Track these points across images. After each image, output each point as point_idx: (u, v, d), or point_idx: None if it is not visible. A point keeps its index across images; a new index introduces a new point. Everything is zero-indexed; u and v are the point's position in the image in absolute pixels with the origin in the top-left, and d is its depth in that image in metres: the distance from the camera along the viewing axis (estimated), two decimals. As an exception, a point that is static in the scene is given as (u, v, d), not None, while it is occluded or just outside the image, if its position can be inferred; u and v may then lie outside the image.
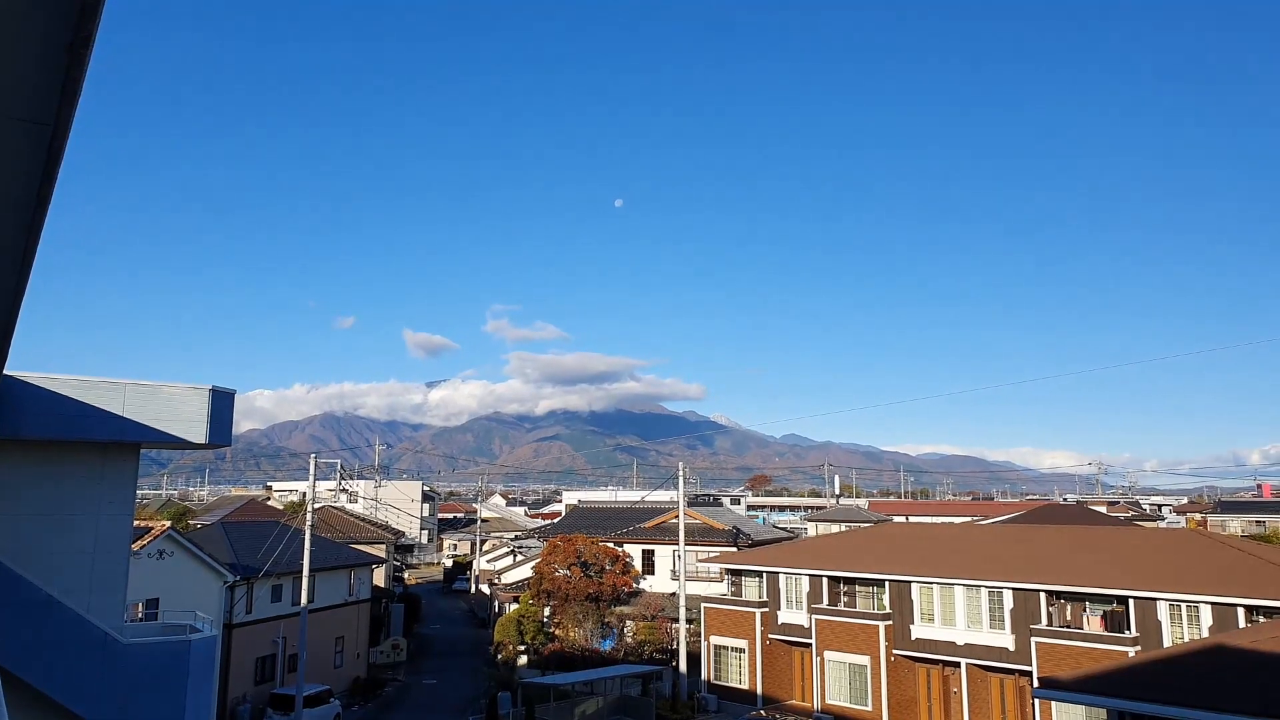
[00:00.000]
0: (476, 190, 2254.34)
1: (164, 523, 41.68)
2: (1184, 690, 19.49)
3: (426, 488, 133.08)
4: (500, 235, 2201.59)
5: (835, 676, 39.32)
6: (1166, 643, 31.11)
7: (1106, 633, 32.98)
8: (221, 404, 19.85)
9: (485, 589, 73.24)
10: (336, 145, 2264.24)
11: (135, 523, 25.02)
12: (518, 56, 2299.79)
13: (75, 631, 17.40)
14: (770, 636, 42.28)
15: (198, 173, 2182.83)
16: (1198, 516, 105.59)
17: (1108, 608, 33.72)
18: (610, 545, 54.41)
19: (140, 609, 33.75)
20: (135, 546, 31.30)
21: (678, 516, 48.04)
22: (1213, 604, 30.78)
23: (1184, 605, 31.56)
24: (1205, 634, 30.02)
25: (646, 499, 69.58)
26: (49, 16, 3.07)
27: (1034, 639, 34.19)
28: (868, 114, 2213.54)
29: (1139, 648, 31.51)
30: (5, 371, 15.92)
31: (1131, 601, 32.68)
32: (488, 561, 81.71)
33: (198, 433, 19.25)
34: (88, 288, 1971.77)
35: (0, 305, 6.73)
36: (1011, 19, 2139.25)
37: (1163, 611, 31.98)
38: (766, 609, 42.56)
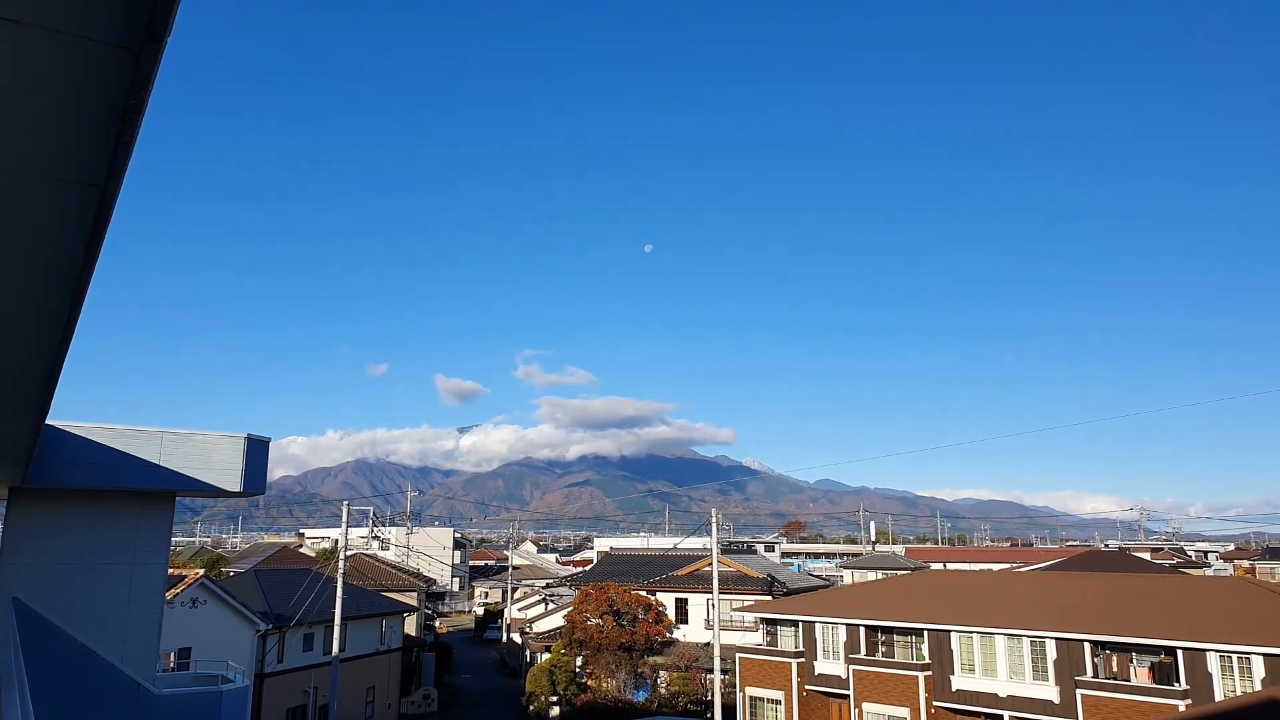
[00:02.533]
0: (507, 236, 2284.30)
1: (197, 571, 41.92)
2: (1240, 747, 18.79)
3: (458, 534, 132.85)
4: (530, 281, 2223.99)
5: (874, 729, 38.33)
6: (1218, 696, 30.08)
7: (1155, 685, 31.95)
8: (256, 452, 20.04)
9: (517, 638, 72.60)
10: (368, 191, 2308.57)
11: (169, 570, 25.15)
12: (549, 97, 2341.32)
13: (109, 682, 17.47)
14: (807, 687, 41.40)
15: (229, 218, 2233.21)
16: (1245, 564, 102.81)
17: (1155, 659, 32.72)
18: (643, 593, 53.85)
19: (173, 658, 33.82)
20: (169, 595, 31.47)
21: (711, 564, 47.45)
22: (1265, 655, 29.77)
23: (1235, 657, 30.54)
24: (1258, 687, 29.02)
25: (679, 546, 68.96)
26: (104, 83, 3.14)
27: (1079, 691, 33.19)
28: (900, 137, 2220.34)
29: (1189, 701, 30.48)
30: (47, 421, 16.16)
31: (1180, 652, 31.68)
32: (519, 610, 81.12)
33: (233, 481, 19.42)
34: (125, 336, 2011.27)
35: (44, 360, 6.85)
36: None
37: (1213, 663, 30.95)
38: (802, 659, 41.75)
